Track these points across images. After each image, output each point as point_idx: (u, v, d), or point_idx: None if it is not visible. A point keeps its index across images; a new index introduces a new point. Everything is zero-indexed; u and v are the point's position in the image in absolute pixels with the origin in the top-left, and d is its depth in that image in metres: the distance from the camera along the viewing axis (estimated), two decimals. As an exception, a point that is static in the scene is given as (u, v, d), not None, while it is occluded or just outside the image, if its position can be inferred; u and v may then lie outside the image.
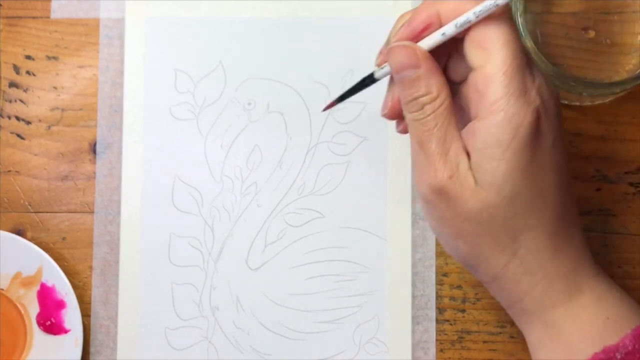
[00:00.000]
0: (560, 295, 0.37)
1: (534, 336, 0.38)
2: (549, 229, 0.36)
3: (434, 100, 0.36)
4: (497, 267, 0.37)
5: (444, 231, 0.38)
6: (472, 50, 0.35)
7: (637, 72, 0.46)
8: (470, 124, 0.36)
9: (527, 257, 0.36)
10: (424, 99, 0.36)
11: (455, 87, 0.38)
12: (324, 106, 0.43)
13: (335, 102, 0.41)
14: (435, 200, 0.36)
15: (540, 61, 0.46)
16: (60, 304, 0.48)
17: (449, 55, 0.38)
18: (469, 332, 0.49)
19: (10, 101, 0.51)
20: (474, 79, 0.35)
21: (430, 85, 0.36)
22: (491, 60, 0.35)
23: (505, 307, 0.39)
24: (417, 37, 0.36)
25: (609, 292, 0.38)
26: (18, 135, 0.51)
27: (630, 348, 0.35)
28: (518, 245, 0.36)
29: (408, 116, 0.37)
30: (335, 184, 0.49)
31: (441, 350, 0.49)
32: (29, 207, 0.50)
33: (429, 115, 0.36)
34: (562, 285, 0.37)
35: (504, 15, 0.35)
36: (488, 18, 0.35)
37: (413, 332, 0.49)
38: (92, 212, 0.50)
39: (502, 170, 0.35)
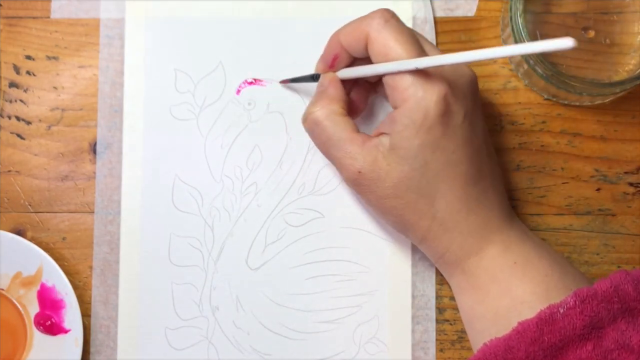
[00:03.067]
0: (473, 247, 0.43)
1: (456, 283, 0.45)
2: (459, 193, 0.42)
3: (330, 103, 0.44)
4: (421, 231, 0.43)
5: (373, 209, 0.45)
6: (377, 59, 0.42)
7: (637, 72, 0.46)
8: (390, 113, 0.42)
9: (444, 218, 0.43)
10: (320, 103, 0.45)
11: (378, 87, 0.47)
12: (282, 79, 0.50)
13: (289, 80, 0.49)
14: (357, 188, 0.44)
15: (540, 61, 0.46)
16: (60, 304, 0.48)
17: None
18: (469, 332, 0.49)
19: (11, 101, 0.51)
20: (385, 78, 0.42)
21: (328, 96, 0.45)
22: (392, 59, 0.41)
23: (434, 261, 0.46)
24: (332, 66, 0.45)
25: (520, 242, 0.44)
26: (18, 135, 0.51)
27: (571, 304, 0.39)
28: (435, 209, 0.43)
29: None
30: (335, 184, 0.49)
31: (441, 350, 0.49)
32: (29, 207, 0.50)
33: (327, 114, 0.44)
34: (474, 240, 0.43)
35: (391, 20, 0.42)
36: (382, 27, 0.42)
37: (413, 332, 0.49)
38: (92, 212, 0.50)
39: (416, 146, 0.41)
